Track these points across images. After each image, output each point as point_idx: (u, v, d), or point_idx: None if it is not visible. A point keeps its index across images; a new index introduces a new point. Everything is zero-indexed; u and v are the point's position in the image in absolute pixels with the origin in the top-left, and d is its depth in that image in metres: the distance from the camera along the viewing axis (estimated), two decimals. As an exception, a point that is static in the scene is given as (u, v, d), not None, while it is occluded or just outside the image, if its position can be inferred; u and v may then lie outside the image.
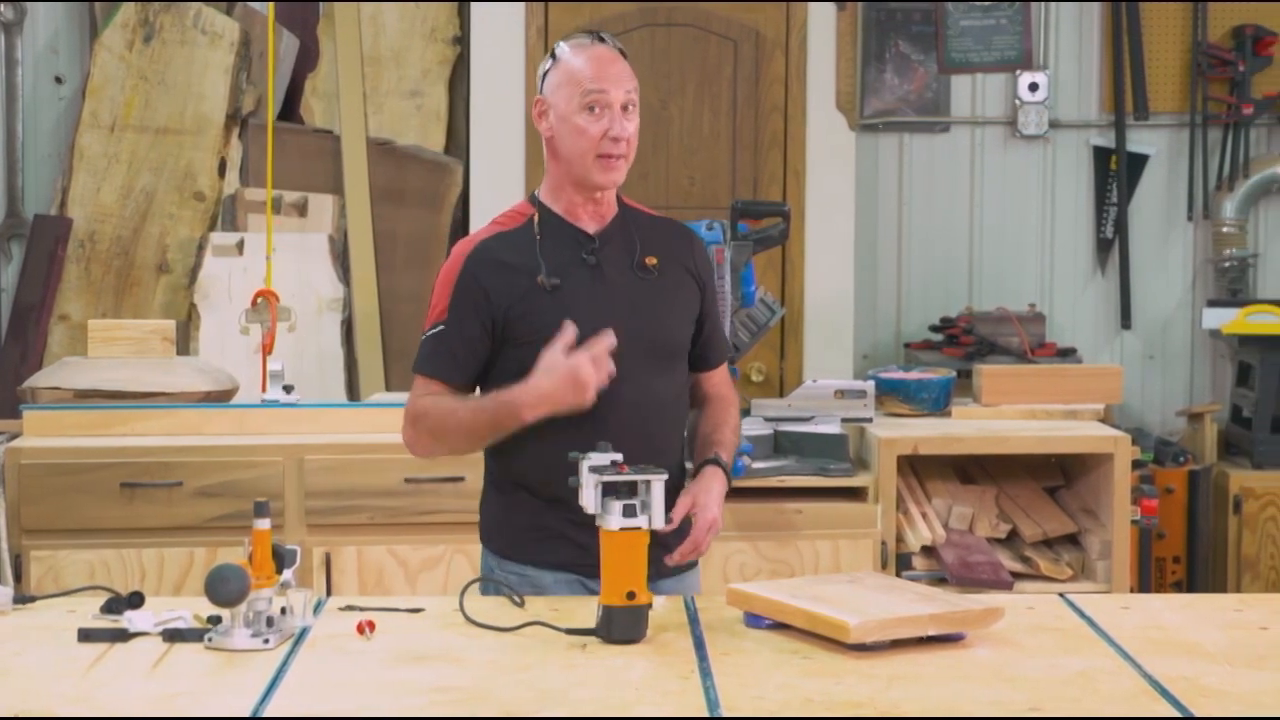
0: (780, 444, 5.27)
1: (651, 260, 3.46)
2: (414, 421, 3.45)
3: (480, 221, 6.61)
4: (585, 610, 3.02)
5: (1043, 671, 2.72)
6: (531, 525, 3.48)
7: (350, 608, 3.12)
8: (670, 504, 3.32)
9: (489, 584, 3.42)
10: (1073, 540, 5.33)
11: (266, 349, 5.63)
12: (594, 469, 2.93)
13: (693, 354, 3.58)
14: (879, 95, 7.16)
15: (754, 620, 2.98)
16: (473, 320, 3.38)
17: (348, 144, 6.76)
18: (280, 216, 6.60)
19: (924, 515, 5.21)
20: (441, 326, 3.42)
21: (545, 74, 3.44)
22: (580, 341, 3.34)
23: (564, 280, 3.39)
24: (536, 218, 3.47)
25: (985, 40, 7.14)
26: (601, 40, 3.44)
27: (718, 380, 3.65)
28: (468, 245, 3.49)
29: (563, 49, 3.43)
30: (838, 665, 2.74)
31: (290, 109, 6.92)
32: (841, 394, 5.36)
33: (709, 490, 3.40)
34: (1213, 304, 6.92)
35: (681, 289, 3.51)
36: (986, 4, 7.13)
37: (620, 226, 3.49)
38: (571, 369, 3.23)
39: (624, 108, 3.38)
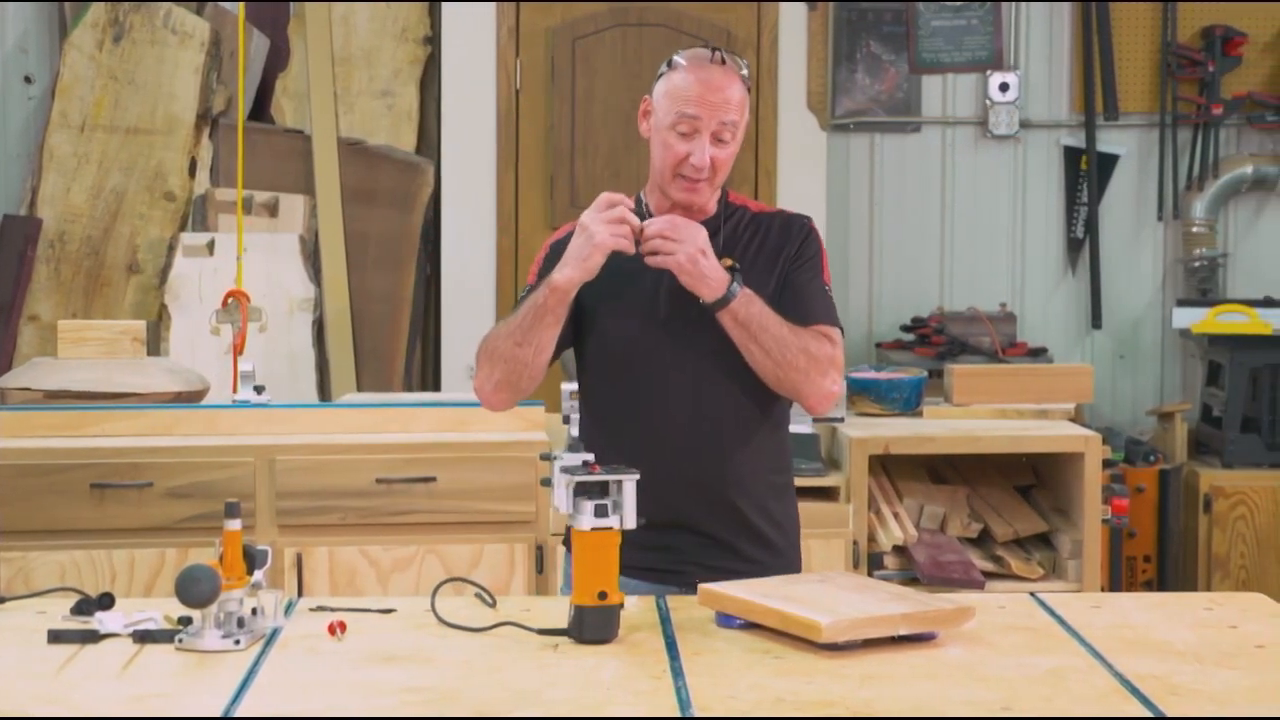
0: (752, 444, 5.26)
1: (729, 261, 3.40)
2: (478, 359, 3.41)
3: (452, 222, 6.65)
4: (557, 610, 3.01)
5: (1014, 671, 2.72)
6: None
7: (321, 608, 3.11)
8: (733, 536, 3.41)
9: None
10: (1044, 539, 5.35)
11: (237, 349, 5.62)
12: (565, 469, 2.93)
13: None
14: (850, 95, 7.17)
15: (726, 620, 2.98)
16: None
17: (319, 144, 6.75)
18: (251, 216, 6.59)
19: (895, 515, 5.22)
20: (528, 289, 3.43)
21: (659, 77, 3.42)
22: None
23: (637, 277, 3.37)
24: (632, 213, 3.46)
25: (956, 40, 7.16)
26: (723, 61, 3.37)
27: None
28: (569, 226, 3.49)
29: (679, 59, 3.39)
30: (809, 665, 2.74)
31: (261, 109, 6.91)
32: (813, 394, 5.36)
33: (707, 249, 3.28)
34: (1183, 304, 6.95)
35: (765, 286, 3.41)
36: (957, 4, 7.15)
37: (709, 227, 3.42)
38: (579, 223, 3.29)
39: (717, 134, 3.35)
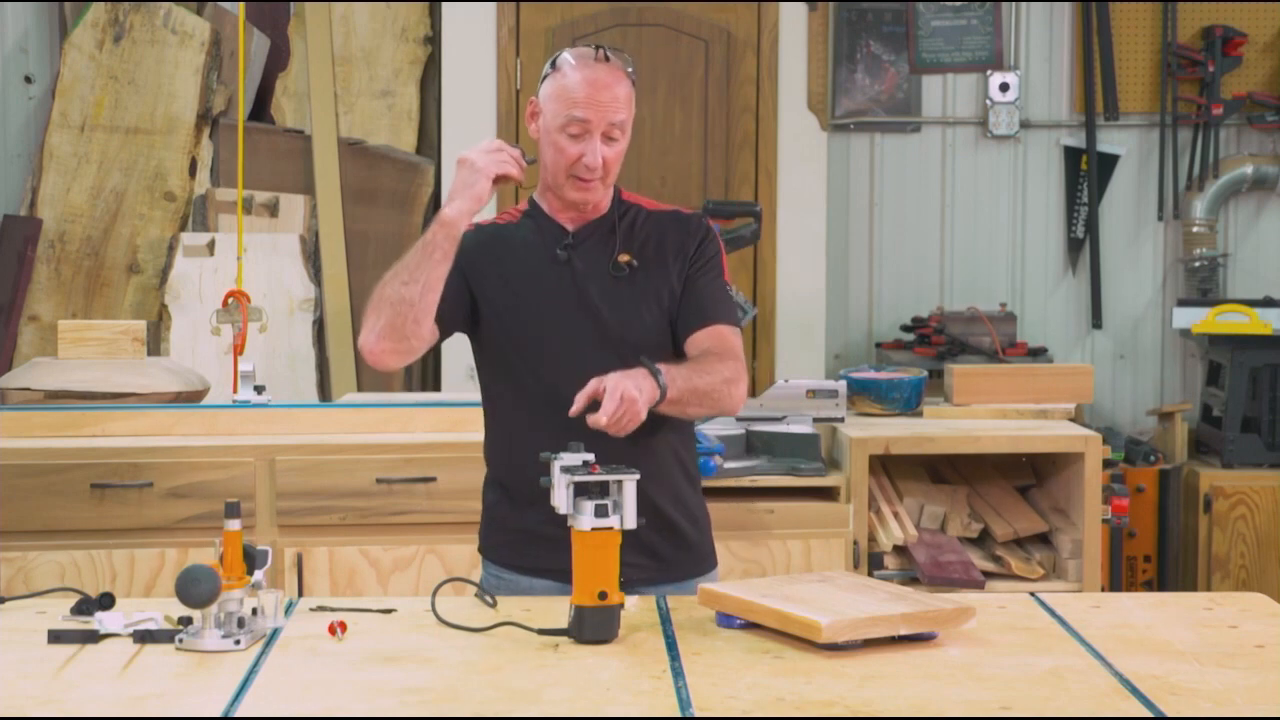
0: (752, 444, 5.27)
1: (625, 257, 3.44)
2: (365, 315, 3.36)
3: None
4: (557, 610, 3.02)
5: (1014, 670, 2.72)
6: (512, 528, 3.48)
7: (322, 608, 3.12)
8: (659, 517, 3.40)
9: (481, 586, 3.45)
10: (1044, 539, 5.35)
11: (238, 349, 5.62)
12: (566, 469, 2.93)
13: (674, 323, 3.46)
14: (850, 95, 7.17)
15: (726, 620, 2.98)
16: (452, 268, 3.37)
17: (319, 144, 6.75)
18: (251, 217, 6.59)
19: (895, 515, 5.22)
20: None
21: (545, 78, 3.42)
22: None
23: (534, 275, 3.41)
24: (526, 214, 3.50)
25: (956, 40, 7.16)
26: (607, 59, 3.39)
27: (701, 339, 3.44)
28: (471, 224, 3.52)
29: (564, 60, 3.40)
30: (809, 664, 2.74)
31: (261, 109, 6.91)
32: (813, 394, 5.37)
33: (624, 374, 3.22)
34: (1183, 304, 6.95)
35: (664, 283, 3.45)
36: (957, 4, 7.15)
37: (604, 224, 3.46)
38: (459, 161, 3.34)
39: (606, 134, 3.36)
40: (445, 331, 3.43)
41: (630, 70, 3.42)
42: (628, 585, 3.28)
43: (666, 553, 3.46)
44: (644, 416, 3.23)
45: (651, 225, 3.50)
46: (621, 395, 3.16)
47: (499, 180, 3.34)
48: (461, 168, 3.33)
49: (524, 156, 3.37)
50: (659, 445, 3.43)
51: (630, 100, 3.41)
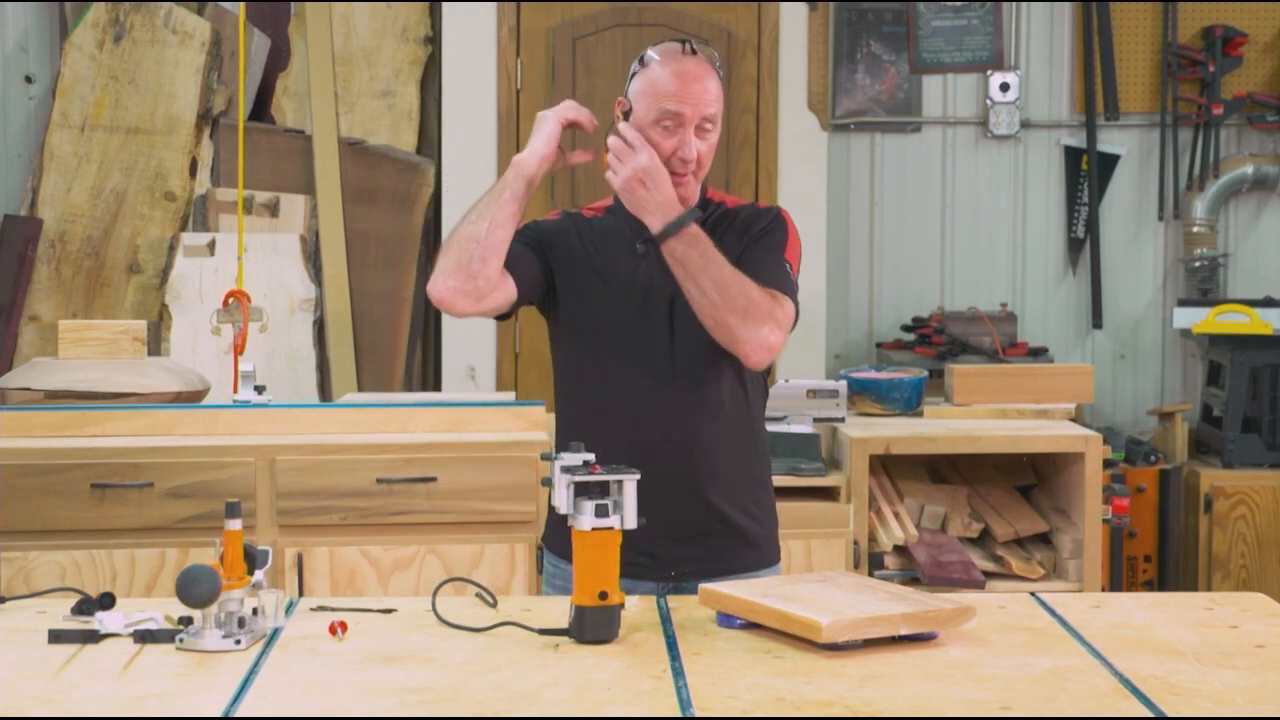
0: (752, 444, 5.27)
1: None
2: (434, 265, 3.37)
3: (451, 222, 6.64)
4: (558, 610, 3.01)
5: (1014, 670, 2.72)
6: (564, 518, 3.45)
7: (322, 608, 3.11)
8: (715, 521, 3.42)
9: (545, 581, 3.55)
10: (1044, 539, 5.35)
11: (238, 349, 5.61)
12: (566, 469, 2.93)
13: None
14: (851, 95, 7.17)
15: (726, 620, 2.98)
16: (524, 239, 3.41)
17: (319, 144, 6.75)
18: (252, 216, 6.59)
19: (896, 515, 5.22)
20: None
21: (633, 75, 3.42)
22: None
23: (613, 267, 3.41)
24: (610, 210, 3.49)
25: (956, 40, 7.16)
26: (693, 52, 3.39)
27: None
28: (559, 210, 3.58)
29: (651, 56, 3.40)
30: (810, 665, 2.74)
31: (262, 109, 6.91)
32: (814, 394, 5.37)
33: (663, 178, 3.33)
34: (1183, 303, 6.95)
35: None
36: (958, 4, 7.15)
37: None
38: (536, 118, 3.41)
39: (699, 127, 3.36)
40: (520, 291, 3.38)
41: (718, 65, 3.42)
42: (680, 579, 3.34)
43: (722, 548, 3.45)
44: (623, 189, 3.31)
45: (731, 219, 3.48)
46: (628, 152, 3.32)
47: (569, 125, 3.38)
48: (536, 122, 3.39)
49: (596, 118, 3.42)
50: (714, 444, 3.42)
51: (720, 95, 3.39)
